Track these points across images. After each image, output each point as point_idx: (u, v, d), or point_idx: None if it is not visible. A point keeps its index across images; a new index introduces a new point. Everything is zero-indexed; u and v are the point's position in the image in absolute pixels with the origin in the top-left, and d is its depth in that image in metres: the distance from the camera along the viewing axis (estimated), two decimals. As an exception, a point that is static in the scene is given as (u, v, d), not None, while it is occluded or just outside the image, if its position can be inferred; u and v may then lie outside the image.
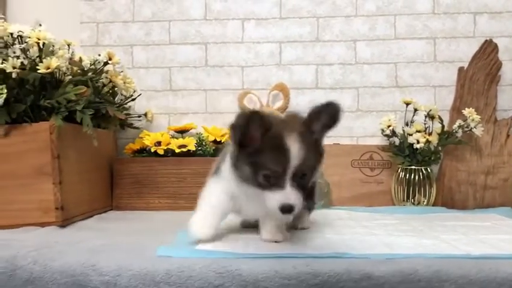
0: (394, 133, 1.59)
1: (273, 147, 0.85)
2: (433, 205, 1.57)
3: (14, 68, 1.15)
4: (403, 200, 1.58)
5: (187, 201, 1.51)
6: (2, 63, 1.16)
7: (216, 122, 1.72)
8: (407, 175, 1.56)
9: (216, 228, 0.96)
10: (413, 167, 1.56)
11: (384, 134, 1.59)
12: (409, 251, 0.90)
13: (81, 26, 1.78)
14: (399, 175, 1.57)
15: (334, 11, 1.73)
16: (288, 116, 0.94)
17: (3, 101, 1.13)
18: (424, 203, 1.56)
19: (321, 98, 1.73)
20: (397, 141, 1.59)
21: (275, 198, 0.85)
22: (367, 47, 1.72)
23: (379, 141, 1.67)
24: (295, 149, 0.84)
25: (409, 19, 1.71)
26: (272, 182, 0.85)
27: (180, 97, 1.76)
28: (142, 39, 1.77)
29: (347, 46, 1.73)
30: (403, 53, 1.72)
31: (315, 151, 0.88)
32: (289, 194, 0.84)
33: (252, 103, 1.71)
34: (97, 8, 1.77)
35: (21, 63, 1.17)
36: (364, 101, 1.72)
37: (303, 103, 1.73)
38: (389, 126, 1.57)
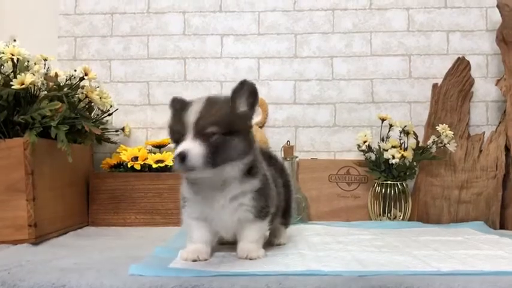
0: (370, 148, 1.61)
1: (177, 112, 0.93)
2: (408, 219, 1.59)
3: (-13, 83, 1.14)
4: (380, 215, 1.60)
5: (164, 217, 1.51)
6: (-25, 78, 1.15)
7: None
8: (384, 190, 1.58)
9: (206, 252, 0.99)
10: (389, 182, 1.58)
11: (360, 149, 1.61)
12: (381, 267, 0.92)
13: (59, 40, 1.77)
14: (375, 190, 1.59)
15: (311, 28, 1.76)
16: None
17: (-25, 116, 1.12)
18: (400, 217, 1.58)
19: (298, 113, 1.75)
20: (373, 156, 1.62)
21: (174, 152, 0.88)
22: (344, 63, 1.75)
23: (356, 156, 1.69)
24: (195, 108, 0.90)
25: (385, 36, 1.75)
26: (176, 141, 0.90)
27: (158, 111, 1.76)
28: (121, 54, 1.77)
29: (324, 62, 1.75)
30: (379, 70, 1.75)
31: (226, 114, 0.91)
32: (184, 145, 0.87)
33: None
34: (75, 22, 1.77)
35: (-5, 78, 1.16)
36: (341, 116, 1.75)
37: (281, 118, 1.75)
38: (365, 141, 1.60)
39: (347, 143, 1.73)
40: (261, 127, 1.73)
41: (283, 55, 1.76)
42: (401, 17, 1.75)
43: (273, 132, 1.74)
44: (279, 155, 1.66)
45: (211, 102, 0.92)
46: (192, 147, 0.86)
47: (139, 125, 1.76)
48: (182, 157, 0.85)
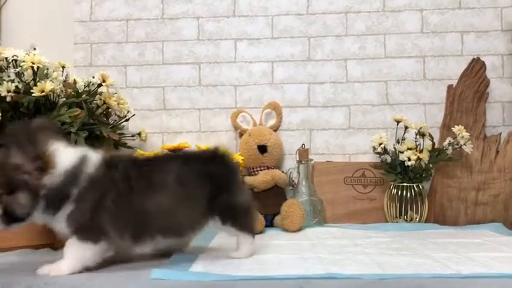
0: (385, 150, 1.61)
1: None
2: (425, 221, 1.58)
3: (8, 91, 1.16)
4: (396, 217, 1.59)
5: (182, 220, 1.51)
6: (-3, 87, 1.17)
7: (210, 141, 1.73)
8: (400, 192, 1.57)
9: None
10: (405, 184, 1.57)
11: (376, 151, 1.61)
12: (401, 270, 0.92)
13: (75, 46, 1.80)
14: (391, 192, 1.59)
15: (325, 31, 1.76)
16: None
17: (-4, 124, 1.14)
18: (417, 219, 1.58)
19: (312, 115, 1.75)
20: (388, 158, 1.61)
21: None
22: (358, 65, 1.75)
23: (371, 158, 1.69)
24: None
25: (399, 38, 1.75)
26: None
27: (173, 116, 1.78)
28: (136, 60, 1.79)
29: (338, 65, 1.76)
30: (393, 72, 1.75)
31: (4, 172, 0.87)
32: None
33: (245, 122, 1.73)
34: (91, 29, 1.80)
35: (16, 86, 1.18)
36: (356, 119, 1.75)
37: (295, 121, 1.76)
38: (380, 143, 1.59)
39: (362, 146, 1.73)
40: (275, 130, 1.73)
41: (297, 58, 1.77)
42: (415, 18, 1.75)
43: (287, 135, 1.75)
44: (294, 157, 1.67)
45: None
46: None
47: (155, 130, 1.77)
48: None
